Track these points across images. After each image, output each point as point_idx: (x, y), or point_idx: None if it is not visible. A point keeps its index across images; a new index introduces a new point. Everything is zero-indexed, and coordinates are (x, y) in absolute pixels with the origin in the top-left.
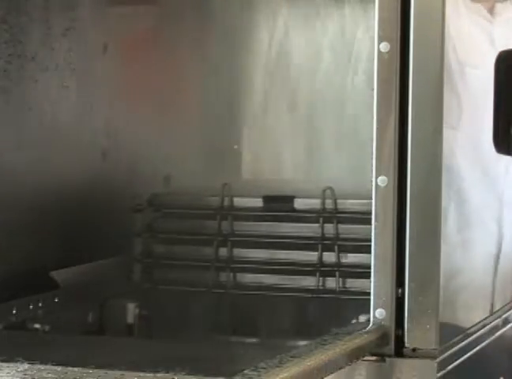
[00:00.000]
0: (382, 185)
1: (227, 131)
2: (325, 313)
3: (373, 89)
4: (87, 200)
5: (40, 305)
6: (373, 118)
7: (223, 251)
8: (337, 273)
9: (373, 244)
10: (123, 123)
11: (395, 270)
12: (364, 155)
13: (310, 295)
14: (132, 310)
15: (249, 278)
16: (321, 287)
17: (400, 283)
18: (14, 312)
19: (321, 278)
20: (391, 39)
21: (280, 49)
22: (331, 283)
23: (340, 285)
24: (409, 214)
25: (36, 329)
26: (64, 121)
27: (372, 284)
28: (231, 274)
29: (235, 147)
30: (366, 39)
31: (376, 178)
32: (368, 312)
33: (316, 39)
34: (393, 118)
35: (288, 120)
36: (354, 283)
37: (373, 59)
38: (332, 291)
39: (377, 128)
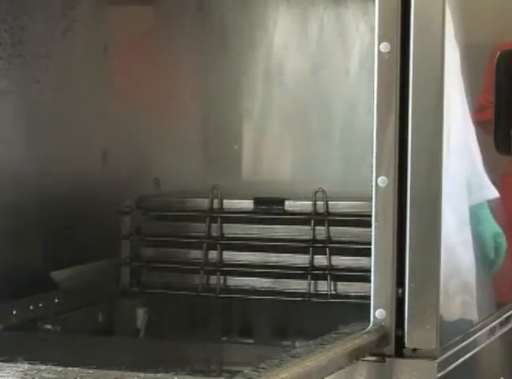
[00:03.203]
0: (382, 185)
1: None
2: (317, 317)
3: (373, 90)
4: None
5: (40, 305)
6: (368, 120)
7: (212, 254)
8: (329, 276)
9: (373, 244)
10: (118, 125)
11: (395, 270)
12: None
13: (301, 298)
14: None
15: (239, 281)
16: (312, 291)
17: (400, 283)
18: (14, 312)
19: (312, 281)
20: (391, 39)
21: (279, 51)
22: (322, 286)
23: (332, 288)
24: (409, 214)
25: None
26: (63, 121)
27: (372, 284)
28: (221, 277)
29: (235, 147)
30: (365, 39)
31: (376, 178)
32: (361, 314)
33: (315, 41)
34: (393, 118)
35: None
36: (346, 286)
37: (373, 60)
38: (323, 295)
39: (377, 128)
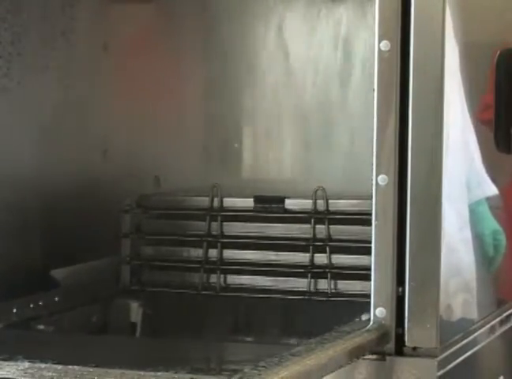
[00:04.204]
0: (383, 183)
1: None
2: (317, 315)
3: (373, 89)
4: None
5: (41, 303)
6: (368, 118)
7: (212, 252)
8: (329, 274)
9: (373, 243)
10: (118, 123)
11: (395, 269)
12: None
13: (301, 297)
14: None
15: (239, 280)
16: (312, 289)
17: (400, 281)
18: (15, 311)
19: (312, 279)
20: (391, 37)
21: (280, 51)
22: (323, 284)
23: (332, 286)
24: (410, 212)
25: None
26: (63, 120)
27: (372, 283)
28: (221, 276)
29: (236, 145)
30: (366, 37)
31: (376, 176)
32: (361, 313)
33: (315, 40)
34: (393, 117)
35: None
36: (346, 285)
37: (373, 58)
38: (324, 293)
39: (377, 126)
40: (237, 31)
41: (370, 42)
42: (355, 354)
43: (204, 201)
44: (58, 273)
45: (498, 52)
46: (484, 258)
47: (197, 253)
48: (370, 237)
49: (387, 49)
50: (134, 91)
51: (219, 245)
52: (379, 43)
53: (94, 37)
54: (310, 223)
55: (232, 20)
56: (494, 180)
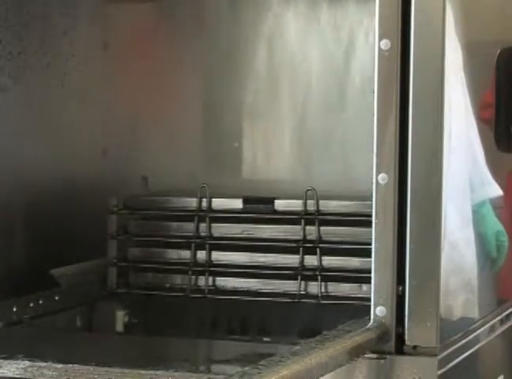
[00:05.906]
0: (383, 182)
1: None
2: (307, 318)
3: (373, 88)
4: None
5: (41, 302)
6: (367, 119)
7: (201, 254)
8: (319, 277)
9: (373, 242)
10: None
11: (395, 268)
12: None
13: (291, 300)
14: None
15: (228, 282)
16: (302, 291)
17: (400, 280)
18: (14, 310)
19: (302, 282)
20: (392, 36)
21: (278, 49)
22: (313, 287)
23: (323, 289)
24: (410, 212)
25: None
26: (61, 119)
27: (373, 282)
28: (210, 278)
29: (236, 145)
30: (366, 37)
31: (376, 175)
32: (352, 315)
33: (314, 39)
34: (393, 116)
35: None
36: (337, 287)
37: (373, 57)
38: (314, 296)
39: (377, 125)
40: (237, 30)
41: (370, 41)
42: (356, 353)
43: (192, 202)
44: (57, 272)
45: (499, 51)
46: (487, 258)
47: (185, 254)
48: (362, 239)
49: (387, 48)
50: (134, 90)
51: (207, 246)
52: (379, 41)
53: (94, 36)
54: (300, 224)
55: (232, 19)
56: (495, 179)
